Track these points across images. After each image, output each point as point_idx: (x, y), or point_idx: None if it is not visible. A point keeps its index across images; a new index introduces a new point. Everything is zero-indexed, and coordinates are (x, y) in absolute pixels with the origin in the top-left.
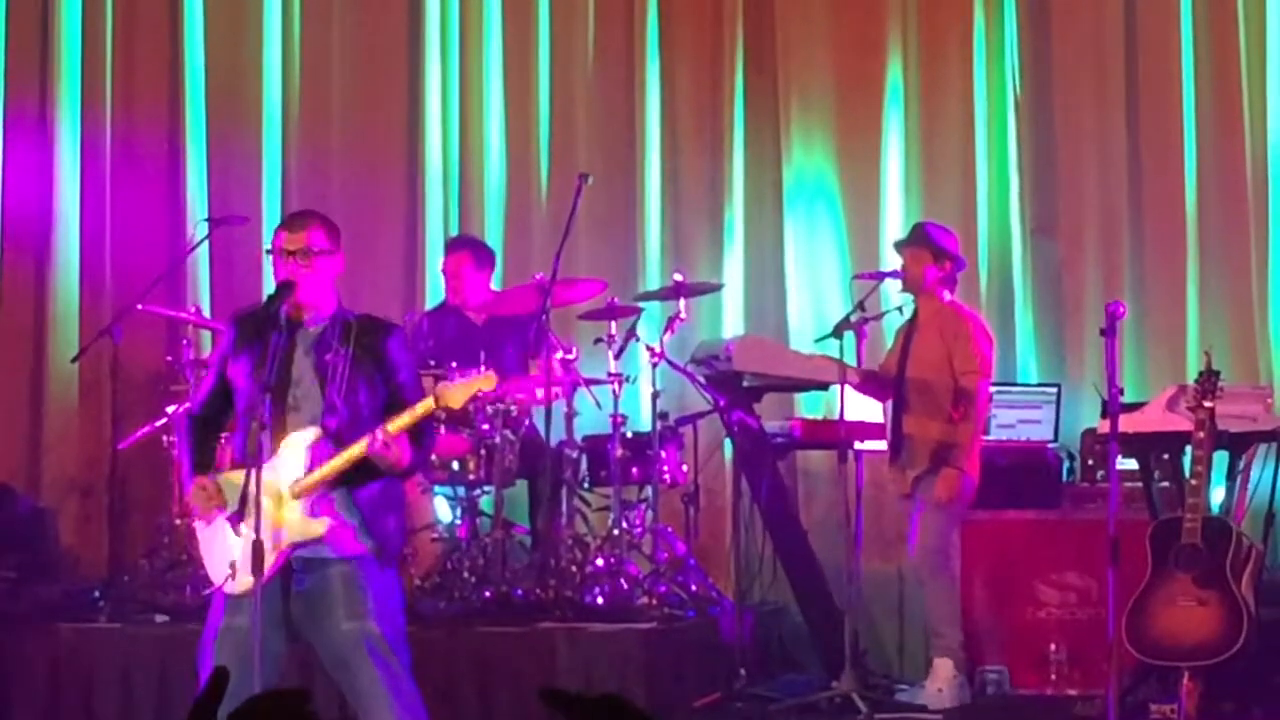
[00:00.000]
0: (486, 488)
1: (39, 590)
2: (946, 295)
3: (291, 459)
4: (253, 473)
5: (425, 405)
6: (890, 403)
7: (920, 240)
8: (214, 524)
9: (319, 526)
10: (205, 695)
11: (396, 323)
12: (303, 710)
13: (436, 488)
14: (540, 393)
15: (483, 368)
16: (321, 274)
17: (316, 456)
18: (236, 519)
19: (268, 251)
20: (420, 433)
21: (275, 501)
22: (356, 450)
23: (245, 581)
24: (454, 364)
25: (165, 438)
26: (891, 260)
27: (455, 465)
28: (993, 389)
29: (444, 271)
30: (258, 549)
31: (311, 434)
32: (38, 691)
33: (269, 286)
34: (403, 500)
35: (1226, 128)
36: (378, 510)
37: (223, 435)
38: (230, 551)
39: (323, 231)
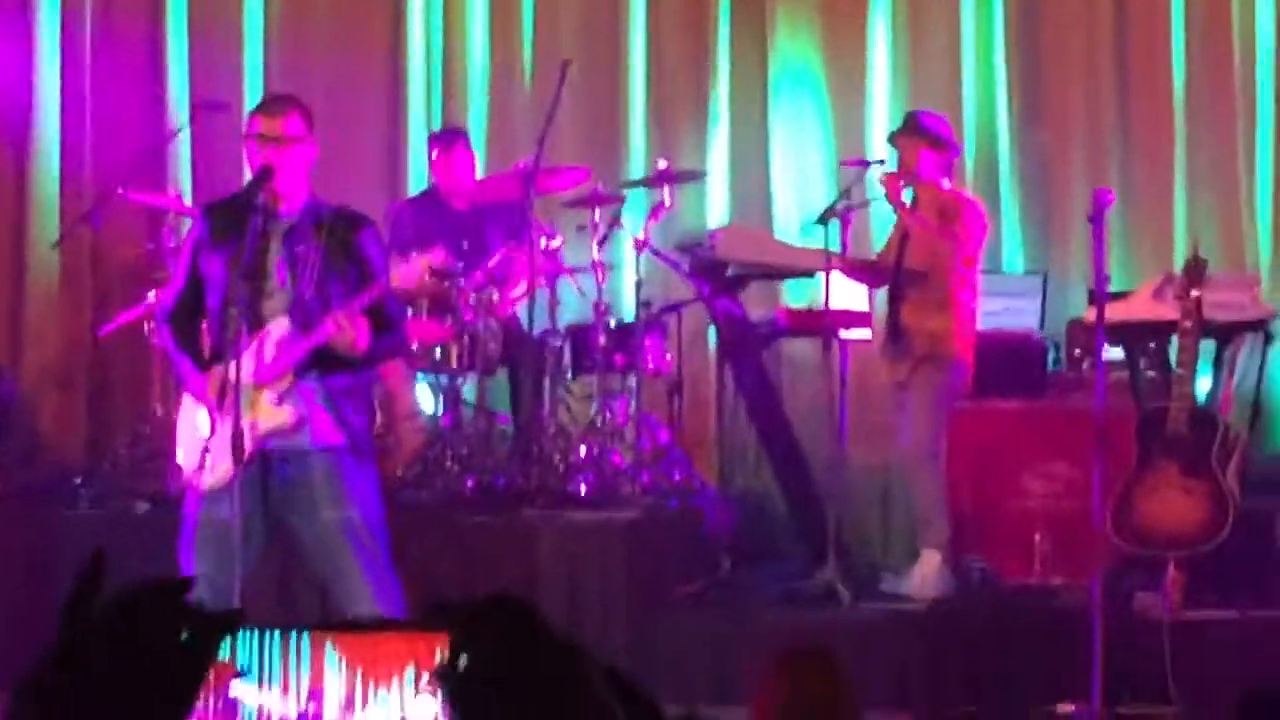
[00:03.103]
0: (469, 376)
1: (20, 476)
2: (946, 183)
3: (264, 351)
4: (232, 362)
5: (370, 293)
6: (884, 291)
7: (914, 129)
8: (189, 415)
9: (285, 415)
10: (84, 579)
11: (369, 216)
12: (179, 599)
13: (419, 375)
14: (523, 287)
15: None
16: (297, 161)
17: (285, 348)
18: (213, 410)
19: (245, 136)
20: (384, 319)
21: (248, 392)
22: (318, 336)
23: (221, 472)
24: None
25: (146, 325)
26: (878, 148)
27: (437, 353)
28: (980, 277)
29: (441, 165)
30: (238, 438)
31: (282, 327)
32: (17, 578)
33: (250, 173)
34: (370, 395)
35: (1215, 13)
36: (352, 403)
37: (202, 325)
38: (203, 443)
39: (300, 118)
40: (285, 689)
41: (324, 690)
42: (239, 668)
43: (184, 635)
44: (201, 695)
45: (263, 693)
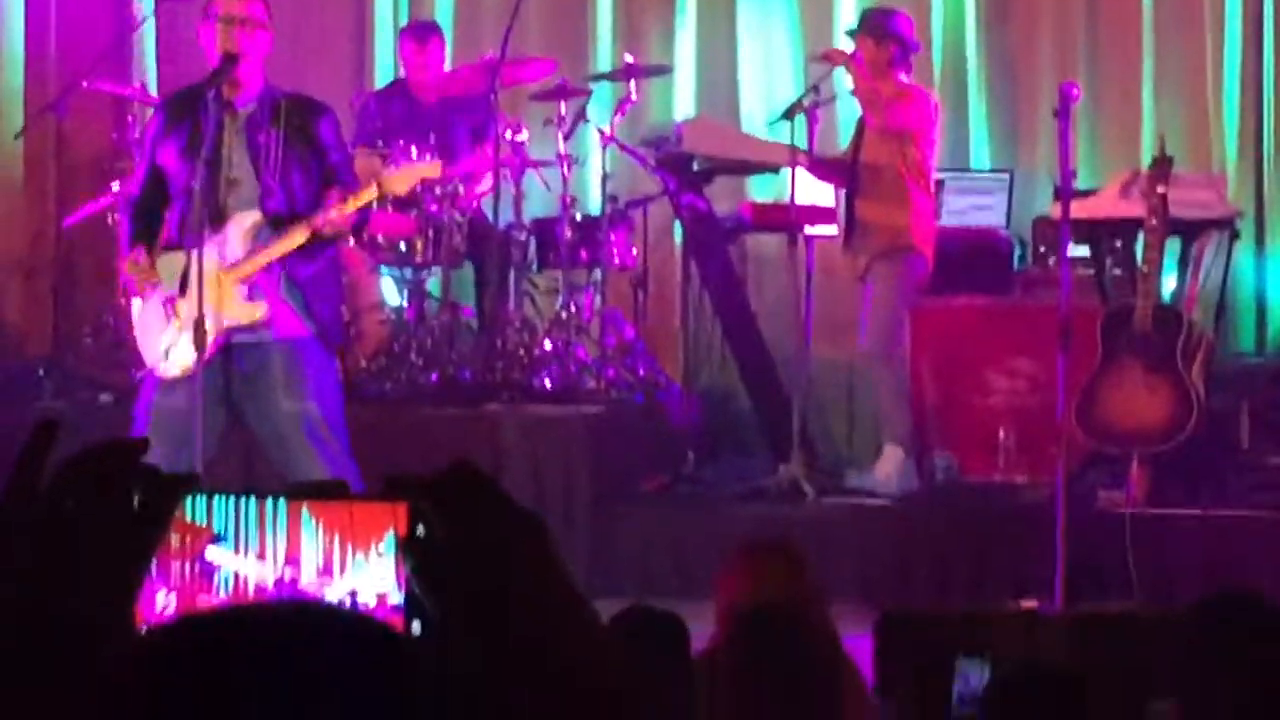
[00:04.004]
0: (434, 269)
1: None
2: (903, 78)
3: (231, 241)
4: (194, 252)
5: (369, 193)
6: (844, 188)
7: (864, 25)
8: (149, 304)
9: (258, 310)
10: (31, 445)
11: (326, 103)
12: (135, 461)
13: (383, 269)
14: (489, 181)
15: (430, 155)
16: (259, 47)
17: (255, 240)
18: (175, 299)
19: (205, 19)
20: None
21: (213, 283)
22: (298, 235)
23: (182, 362)
24: (401, 143)
25: (110, 215)
26: (846, 45)
27: (402, 246)
28: (945, 175)
29: (414, 60)
30: (200, 327)
31: (251, 217)
32: None
33: (210, 58)
34: (339, 284)
35: None
36: (318, 292)
37: (163, 218)
38: (165, 332)
39: (262, 3)
40: (262, 555)
41: (301, 556)
42: (215, 533)
43: (138, 496)
44: (179, 559)
45: (239, 558)
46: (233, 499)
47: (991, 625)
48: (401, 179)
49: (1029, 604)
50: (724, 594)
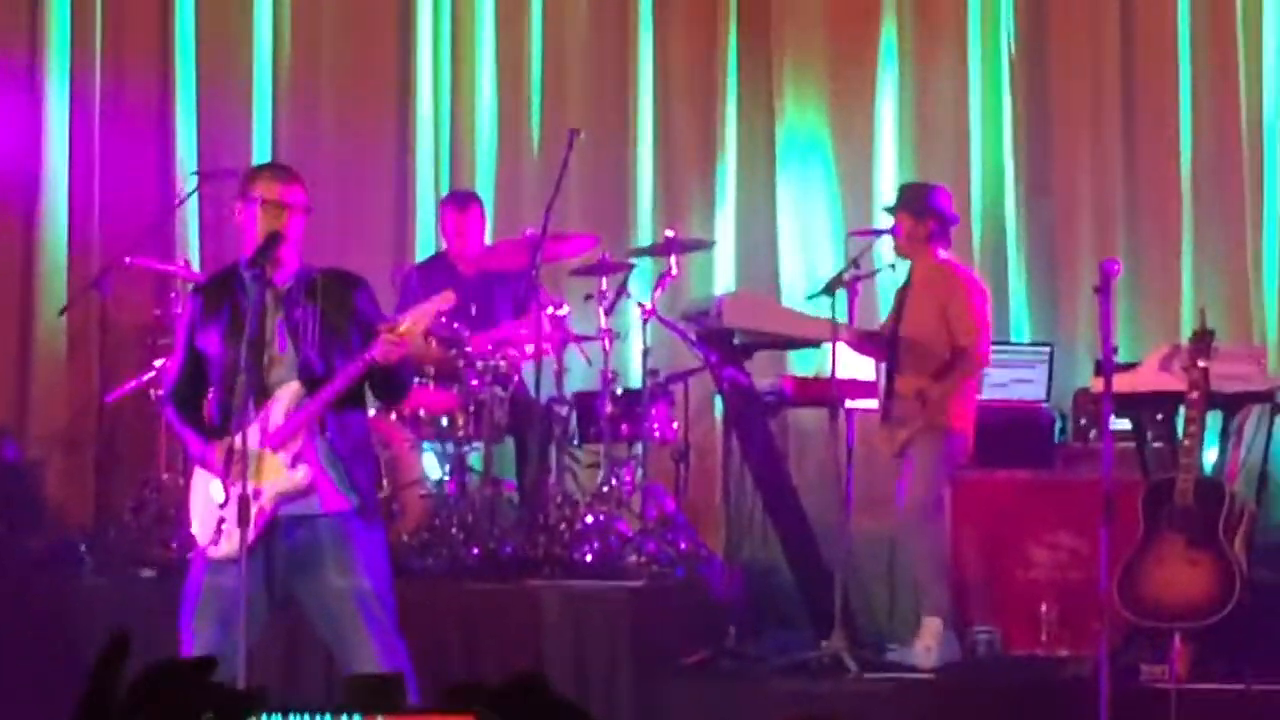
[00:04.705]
0: (475, 444)
1: (24, 543)
2: (941, 254)
3: (273, 416)
4: (238, 432)
5: (387, 339)
6: (883, 362)
7: (902, 202)
8: (201, 484)
9: (301, 476)
10: (106, 656)
11: (362, 276)
12: (204, 679)
13: (425, 444)
14: (530, 348)
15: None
16: (300, 229)
17: (295, 409)
18: (223, 480)
19: (249, 199)
20: (383, 372)
21: (256, 460)
22: (331, 392)
23: (231, 543)
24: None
25: (153, 391)
26: (885, 219)
27: (444, 421)
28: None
29: (453, 227)
30: (244, 505)
31: (291, 389)
32: (20, 645)
33: (249, 236)
34: (376, 460)
35: (1222, 84)
36: (356, 462)
37: (205, 399)
38: (214, 512)
39: (304, 188)
40: None
41: None
42: None
43: (208, 714)
44: None
45: None
46: (307, 716)
47: None
48: (414, 319)
49: None
50: None
